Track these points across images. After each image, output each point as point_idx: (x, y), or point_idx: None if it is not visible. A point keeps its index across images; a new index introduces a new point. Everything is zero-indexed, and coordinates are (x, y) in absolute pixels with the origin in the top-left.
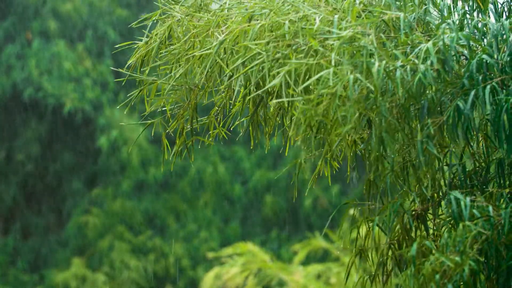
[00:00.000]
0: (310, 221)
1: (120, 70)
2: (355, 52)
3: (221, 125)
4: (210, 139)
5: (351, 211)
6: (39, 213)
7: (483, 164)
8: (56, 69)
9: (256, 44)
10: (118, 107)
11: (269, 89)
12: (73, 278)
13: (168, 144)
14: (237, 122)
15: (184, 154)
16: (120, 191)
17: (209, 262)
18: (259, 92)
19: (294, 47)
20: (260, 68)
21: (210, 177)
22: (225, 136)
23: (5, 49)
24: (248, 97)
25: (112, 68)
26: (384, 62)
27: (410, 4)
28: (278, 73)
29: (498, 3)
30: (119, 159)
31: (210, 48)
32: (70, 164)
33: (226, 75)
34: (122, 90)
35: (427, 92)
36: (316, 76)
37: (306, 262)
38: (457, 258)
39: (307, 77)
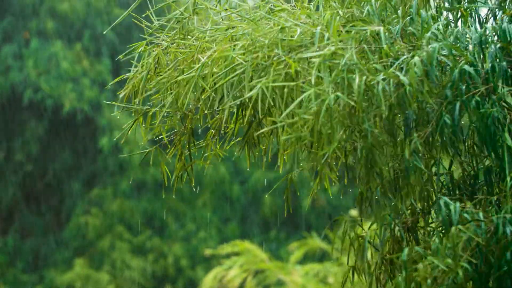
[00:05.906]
0: (308, 221)
1: (114, 103)
2: (335, 68)
3: (218, 147)
4: (208, 161)
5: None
6: (39, 213)
7: (471, 172)
8: (54, 69)
9: (235, 55)
10: (116, 137)
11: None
12: (78, 278)
13: (167, 170)
14: (232, 142)
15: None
16: (119, 191)
17: (208, 262)
18: (237, 101)
19: (274, 58)
20: (241, 77)
21: (209, 177)
22: (222, 157)
23: (3, 49)
24: (229, 118)
25: (105, 101)
26: (365, 77)
27: (394, 16)
28: (257, 84)
29: (481, 15)
30: (119, 160)
31: (192, 72)
32: (69, 164)
33: (213, 98)
34: (120, 89)
35: (412, 104)
36: (297, 101)
37: (303, 261)
38: (449, 261)
39: (286, 90)
